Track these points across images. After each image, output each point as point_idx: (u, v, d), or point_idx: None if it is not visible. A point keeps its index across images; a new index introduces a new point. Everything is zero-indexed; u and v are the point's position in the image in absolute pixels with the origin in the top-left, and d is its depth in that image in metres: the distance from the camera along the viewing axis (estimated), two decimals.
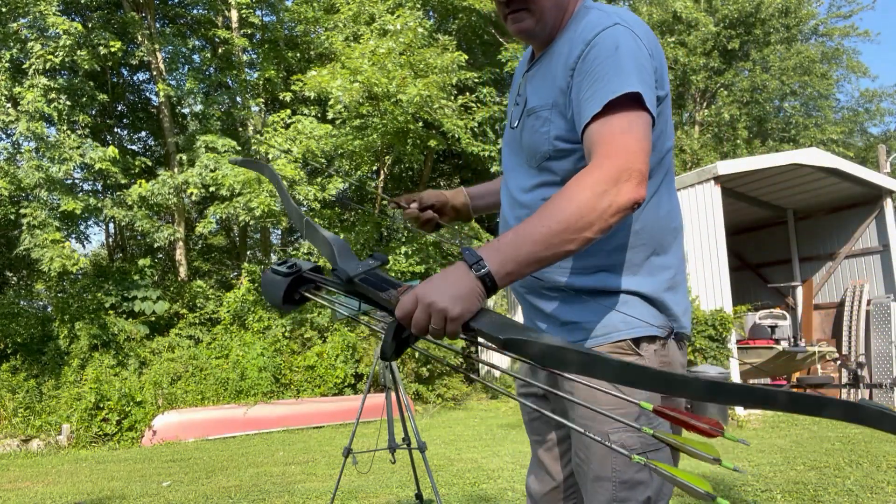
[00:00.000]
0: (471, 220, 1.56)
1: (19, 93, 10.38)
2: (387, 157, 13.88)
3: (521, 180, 1.42)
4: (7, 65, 10.84)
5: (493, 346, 1.05)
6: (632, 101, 1.18)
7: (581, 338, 1.35)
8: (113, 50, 11.59)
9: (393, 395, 3.78)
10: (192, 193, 11.52)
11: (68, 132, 10.87)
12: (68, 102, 11.12)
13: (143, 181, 11.65)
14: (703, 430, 0.92)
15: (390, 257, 12.45)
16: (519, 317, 1.17)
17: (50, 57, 10.44)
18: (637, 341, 1.32)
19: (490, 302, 12.49)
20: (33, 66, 10.49)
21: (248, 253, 15.43)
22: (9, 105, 10.52)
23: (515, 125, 1.45)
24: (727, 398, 0.92)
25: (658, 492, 1.26)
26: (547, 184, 1.36)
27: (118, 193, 12.16)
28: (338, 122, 11.69)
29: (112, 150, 10.84)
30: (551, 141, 1.33)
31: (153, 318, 11.70)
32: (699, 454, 0.90)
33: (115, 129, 15.32)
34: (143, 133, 16.70)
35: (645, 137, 1.18)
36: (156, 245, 12.39)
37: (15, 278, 16.11)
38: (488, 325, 1.05)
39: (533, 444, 1.59)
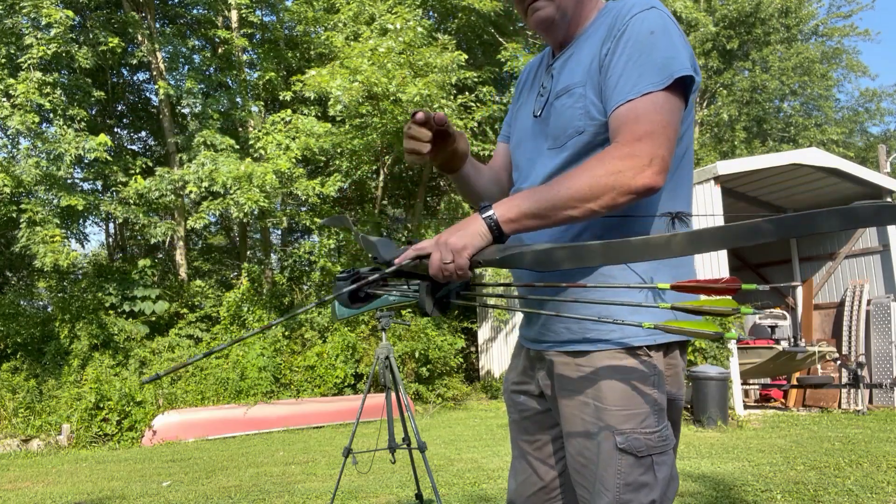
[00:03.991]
0: (454, 172, 1.50)
1: (11, 85, 10.35)
2: (387, 157, 13.87)
3: (546, 166, 1.39)
4: (3, 60, 10.82)
5: (494, 265, 1.19)
6: (666, 86, 1.19)
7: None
8: (111, 46, 11.58)
9: (393, 395, 3.79)
10: (190, 192, 11.52)
11: (65, 127, 10.85)
12: (63, 97, 11.10)
13: (140, 177, 11.65)
14: (721, 288, 1.05)
15: None
16: None
17: (42, 48, 10.41)
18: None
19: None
20: (29, 62, 10.47)
21: (248, 253, 15.42)
22: (4, 100, 10.50)
23: (539, 113, 1.44)
24: (710, 244, 0.99)
25: (663, 494, 1.25)
26: (574, 163, 1.33)
27: (115, 189, 12.16)
28: (338, 119, 11.69)
29: (102, 138, 10.82)
30: (585, 115, 1.32)
31: (153, 318, 11.70)
32: (721, 310, 1.04)
33: (115, 129, 15.32)
34: (144, 133, 16.71)
35: (672, 124, 1.18)
36: (154, 241, 12.38)
37: (15, 278, 16.11)
38: (489, 253, 1.20)
39: (519, 444, 1.55)
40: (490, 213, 1.19)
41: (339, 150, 12.10)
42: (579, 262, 1.10)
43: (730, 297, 1.06)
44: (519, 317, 1.30)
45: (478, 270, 1.26)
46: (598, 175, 1.15)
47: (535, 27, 1.44)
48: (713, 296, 1.07)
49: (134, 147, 16.33)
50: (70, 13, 10.69)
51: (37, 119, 10.56)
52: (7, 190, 10.19)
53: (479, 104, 11.98)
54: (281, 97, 12.27)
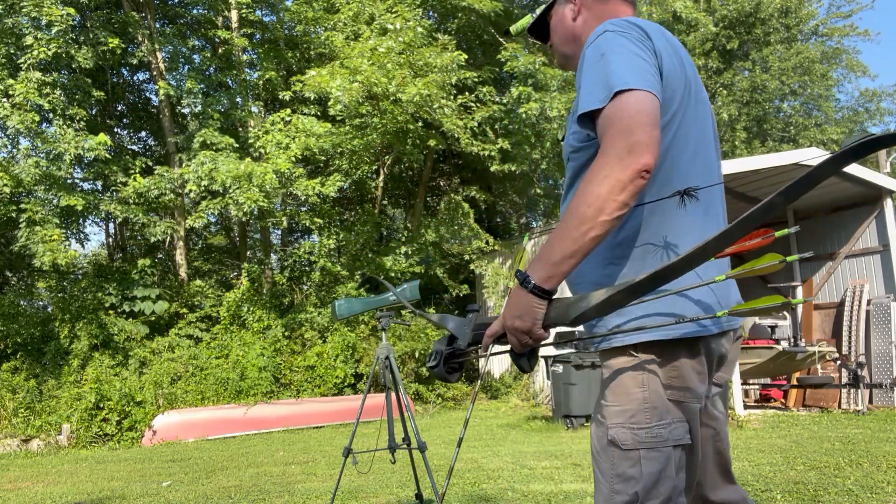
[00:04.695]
0: None
1: (11, 85, 10.34)
2: (387, 157, 13.87)
3: (566, 188, 1.53)
4: (3, 60, 10.81)
5: (567, 325, 1.33)
6: (624, 91, 1.25)
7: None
8: (111, 46, 11.57)
9: (393, 395, 3.78)
10: (190, 191, 11.51)
11: (64, 127, 10.84)
12: (63, 98, 11.09)
13: (139, 175, 11.64)
14: (757, 243, 1.19)
15: (390, 257, 12.46)
16: None
17: (42, 48, 10.40)
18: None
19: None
20: (28, 62, 10.46)
21: (248, 253, 15.42)
22: (4, 100, 10.49)
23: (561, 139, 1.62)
24: (738, 233, 1.15)
25: (648, 490, 1.29)
26: (573, 186, 1.46)
27: (115, 189, 12.15)
28: (338, 119, 11.68)
29: (102, 137, 10.81)
30: (568, 143, 1.47)
31: (153, 318, 11.69)
32: (767, 265, 1.20)
33: (115, 129, 15.31)
34: (144, 133, 16.70)
35: (640, 111, 1.23)
36: (154, 240, 12.36)
37: (15, 278, 16.11)
38: (557, 317, 1.31)
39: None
40: (530, 284, 1.28)
41: (339, 150, 12.10)
42: (635, 296, 1.24)
43: (771, 254, 1.20)
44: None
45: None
46: (588, 190, 1.22)
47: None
48: (757, 266, 1.22)
49: (134, 147, 16.33)
50: (71, 10, 10.68)
51: (36, 119, 10.55)
52: (7, 190, 10.18)
53: (479, 104, 11.97)
54: (281, 97, 12.26)
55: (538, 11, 1.70)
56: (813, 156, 9.47)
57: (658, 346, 1.33)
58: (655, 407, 1.31)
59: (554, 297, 1.30)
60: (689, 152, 1.40)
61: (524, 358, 1.41)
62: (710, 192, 1.43)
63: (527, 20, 1.76)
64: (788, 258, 1.16)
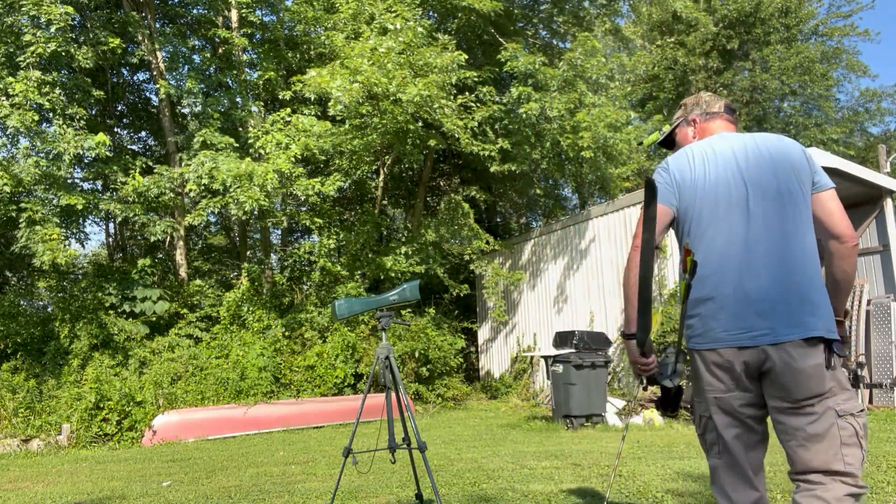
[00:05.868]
0: None
1: (10, 83, 10.33)
2: (387, 157, 13.86)
3: None
4: (2, 59, 10.80)
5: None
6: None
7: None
8: (112, 46, 11.56)
9: (393, 395, 3.78)
10: (190, 190, 11.50)
11: (64, 126, 10.83)
12: (63, 97, 11.08)
13: (138, 174, 11.63)
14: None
15: (390, 257, 12.45)
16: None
17: (41, 46, 10.39)
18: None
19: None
20: (28, 60, 10.45)
21: (248, 253, 15.42)
22: (4, 98, 10.48)
23: None
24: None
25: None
26: None
27: (114, 188, 12.15)
28: (338, 119, 11.66)
29: (101, 137, 10.80)
30: None
31: (153, 318, 11.69)
32: None
33: (115, 129, 15.31)
34: (144, 133, 16.69)
35: (640, 223, 2.09)
36: (154, 239, 12.35)
37: (15, 278, 16.10)
38: (647, 348, 2.16)
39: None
40: (620, 331, 2.60)
41: (338, 150, 12.09)
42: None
43: None
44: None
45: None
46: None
47: None
48: None
49: (134, 147, 16.32)
50: (70, 9, 10.67)
51: (36, 118, 10.54)
52: (7, 189, 10.17)
53: (479, 104, 11.96)
54: (281, 97, 12.26)
55: (667, 130, 2.52)
56: (812, 155, 9.45)
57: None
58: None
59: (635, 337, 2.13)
60: (699, 236, 2.11)
61: (651, 381, 2.21)
62: (728, 244, 2.06)
63: (656, 136, 2.61)
64: None
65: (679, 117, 2.45)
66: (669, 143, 2.51)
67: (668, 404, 2.19)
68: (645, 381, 2.19)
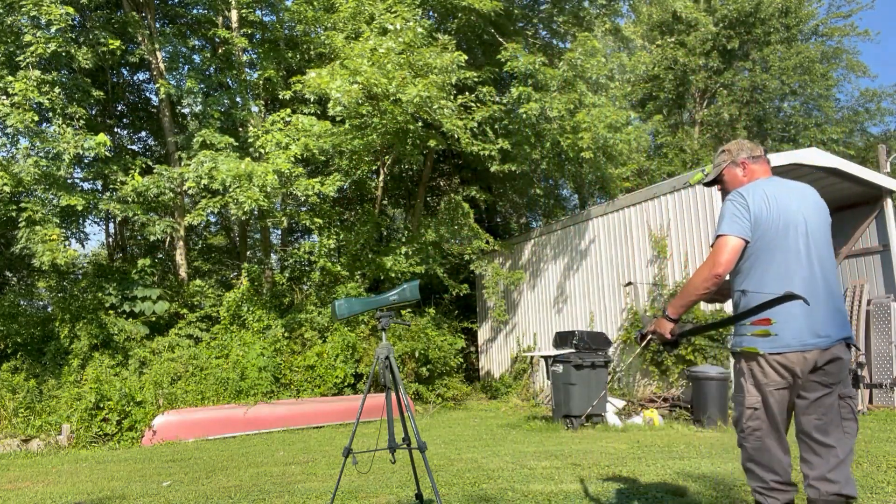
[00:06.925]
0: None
1: (10, 83, 10.32)
2: (387, 157, 13.86)
3: None
4: (2, 59, 10.80)
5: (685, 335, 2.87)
6: (722, 236, 2.61)
7: None
8: (112, 48, 11.56)
9: (393, 395, 3.78)
10: (190, 188, 11.49)
11: (64, 126, 10.82)
12: (63, 97, 11.08)
13: (137, 174, 11.62)
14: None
15: (390, 257, 12.46)
16: None
17: (41, 46, 10.38)
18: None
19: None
20: (27, 60, 10.44)
21: (248, 253, 15.42)
22: (4, 98, 10.47)
23: None
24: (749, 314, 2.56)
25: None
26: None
27: (114, 188, 12.14)
28: (337, 119, 11.66)
29: (101, 137, 10.80)
30: None
31: (153, 318, 11.69)
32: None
33: (115, 129, 15.30)
34: (144, 133, 16.69)
35: (722, 251, 2.58)
36: (153, 239, 12.34)
37: (15, 278, 16.10)
38: (677, 329, 2.81)
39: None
40: (664, 311, 2.80)
41: (338, 150, 12.09)
42: (716, 327, 3.28)
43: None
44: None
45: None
46: (697, 274, 2.65)
47: None
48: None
49: (134, 147, 16.31)
50: (70, 9, 10.67)
51: (35, 118, 10.54)
52: (7, 189, 10.17)
53: (479, 104, 11.95)
54: (281, 97, 12.26)
55: (714, 173, 2.92)
56: (813, 156, 9.46)
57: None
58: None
59: (678, 321, 2.77)
60: (767, 261, 2.58)
61: (668, 346, 2.87)
62: (787, 270, 2.58)
63: (699, 176, 3.31)
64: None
65: (725, 160, 2.86)
66: (713, 183, 2.98)
67: (670, 345, 2.89)
68: (666, 347, 2.91)
